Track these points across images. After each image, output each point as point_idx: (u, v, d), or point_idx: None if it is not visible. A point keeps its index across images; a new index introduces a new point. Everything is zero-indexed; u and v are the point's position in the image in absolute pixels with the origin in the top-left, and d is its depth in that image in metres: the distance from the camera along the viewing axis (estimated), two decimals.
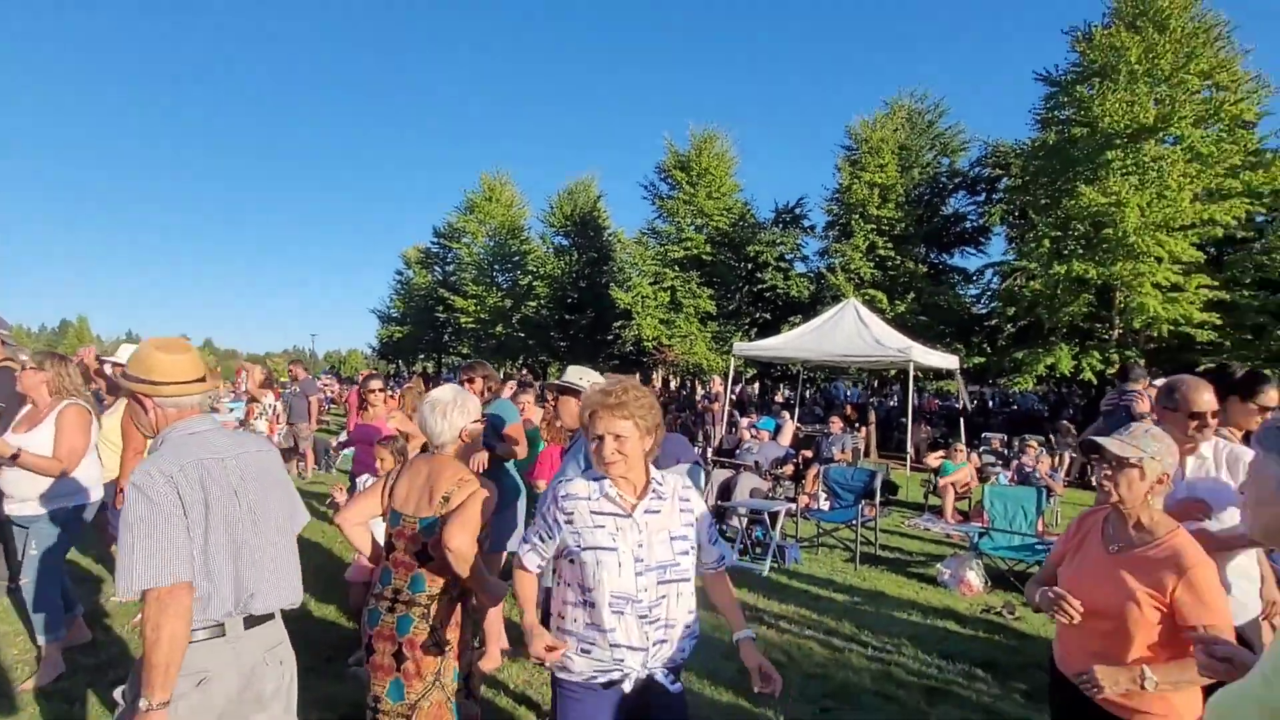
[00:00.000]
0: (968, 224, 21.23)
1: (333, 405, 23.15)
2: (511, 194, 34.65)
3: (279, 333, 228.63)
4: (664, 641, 2.13)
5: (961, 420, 15.64)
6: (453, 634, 2.53)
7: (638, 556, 2.10)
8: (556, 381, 3.59)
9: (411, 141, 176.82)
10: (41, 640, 3.93)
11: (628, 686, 2.07)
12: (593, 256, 30.62)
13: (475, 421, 2.72)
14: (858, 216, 19.87)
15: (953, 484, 10.09)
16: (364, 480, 5.11)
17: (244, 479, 2.13)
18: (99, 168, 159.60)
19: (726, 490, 8.61)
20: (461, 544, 2.45)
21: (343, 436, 13.13)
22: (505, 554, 4.28)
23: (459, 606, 2.57)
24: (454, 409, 2.67)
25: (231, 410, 16.60)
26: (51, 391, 3.96)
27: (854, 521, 7.63)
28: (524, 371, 31.33)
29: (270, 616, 2.18)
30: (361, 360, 73.53)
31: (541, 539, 2.20)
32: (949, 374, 17.54)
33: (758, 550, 7.52)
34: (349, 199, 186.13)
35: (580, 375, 3.58)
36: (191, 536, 1.96)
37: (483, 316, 32.42)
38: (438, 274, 39.91)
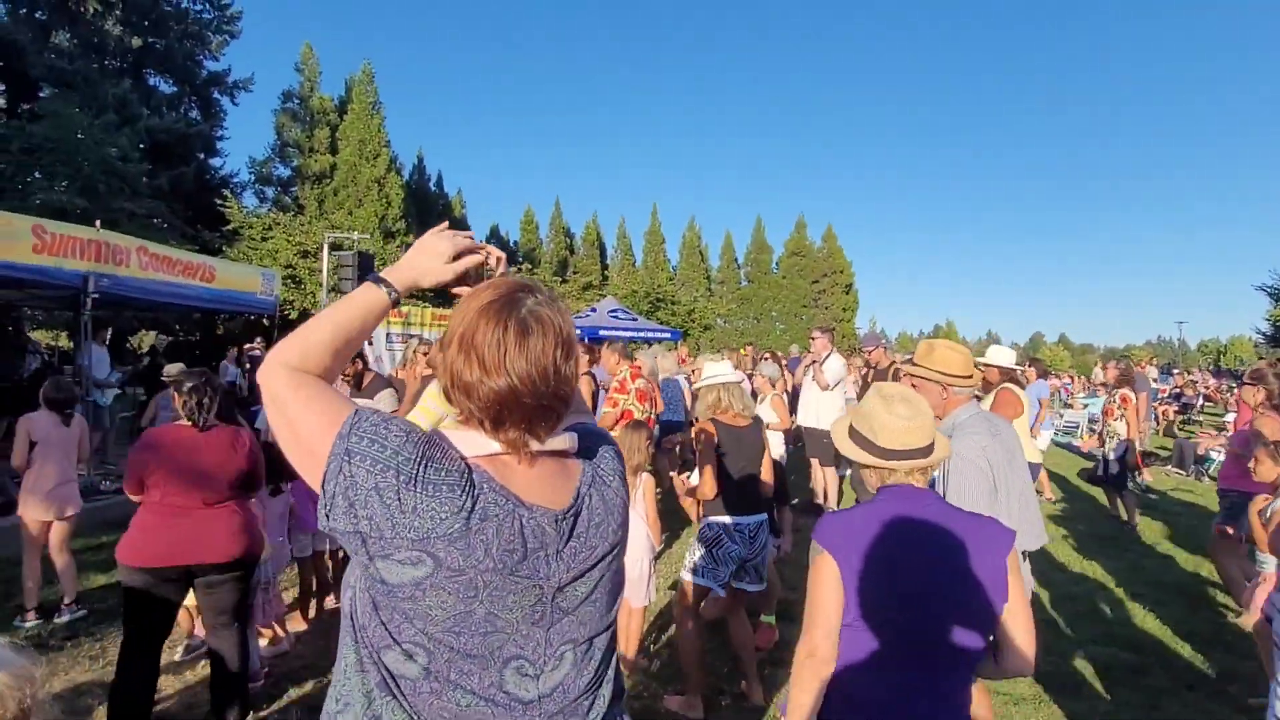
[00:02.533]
0: None
1: (1209, 403, 19.88)
2: None
3: (1141, 323, 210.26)
4: None
5: None
6: None
7: None
8: None
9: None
10: None
11: None
12: None
13: None
14: None
15: None
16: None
17: (1011, 452, 2.78)
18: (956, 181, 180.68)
19: None
20: None
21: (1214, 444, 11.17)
22: None
23: None
24: None
25: (1086, 405, 16.24)
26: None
27: None
28: None
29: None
30: (1249, 349, 60.67)
31: None
32: None
33: None
34: (1213, 154, 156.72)
35: None
36: (994, 488, 2.65)
37: None
38: None
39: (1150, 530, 7.31)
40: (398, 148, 36.91)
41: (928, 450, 1.74)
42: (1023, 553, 2.85)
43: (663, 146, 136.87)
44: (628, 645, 3.92)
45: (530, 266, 33.68)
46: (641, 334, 19.14)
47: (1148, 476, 9.98)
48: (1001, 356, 5.12)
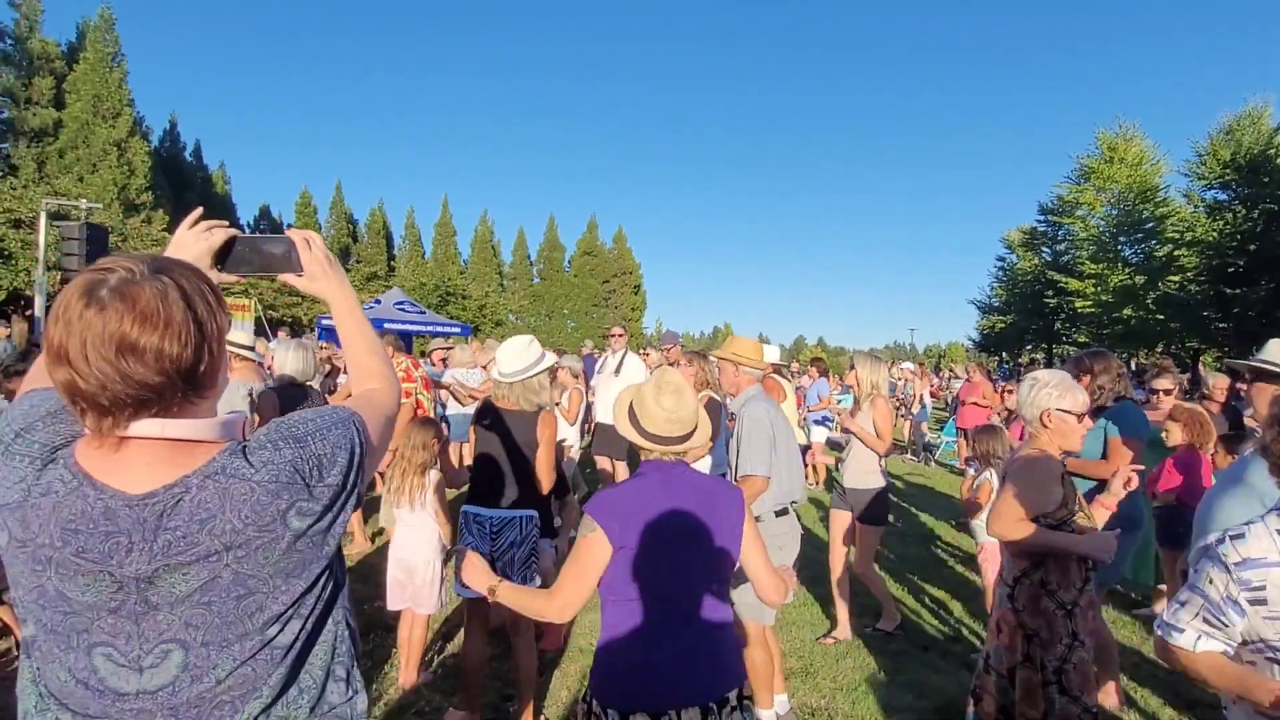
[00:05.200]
0: None
1: (933, 399, 23.17)
2: (1140, 149, 28.99)
3: (882, 329, 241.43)
4: None
5: None
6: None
7: None
8: (1256, 362, 2.72)
9: (1011, 112, 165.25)
10: None
11: None
12: (1270, 210, 23.33)
13: (1066, 410, 2.50)
14: None
15: None
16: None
17: (784, 423, 3.51)
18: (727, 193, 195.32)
19: None
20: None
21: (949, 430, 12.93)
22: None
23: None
24: (1041, 389, 2.55)
25: (839, 400, 18.28)
26: (698, 384, 4.87)
27: None
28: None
29: (787, 511, 3.48)
30: (961, 353, 71.99)
31: (1209, 622, 1.56)
32: None
33: None
34: (947, 188, 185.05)
35: None
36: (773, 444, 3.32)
37: (1104, 298, 27.98)
38: (1046, 255, 36.21)
39: (890, 510, 8.32)
40: (145, 110, 32.24)
41: (682, 439, 2.00)
42: (792, 503, 3.53)
43: (455, 136, 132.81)
44: (410, 656, 3.68)
45: None
46: (430, 328, 18.35)
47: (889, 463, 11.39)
48: (770, 355, 5.82)
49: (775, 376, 5.88)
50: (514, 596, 2.02)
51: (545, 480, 3.33)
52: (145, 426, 0.98)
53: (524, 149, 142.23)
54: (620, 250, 52.67)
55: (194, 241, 1.26)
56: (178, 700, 1.00)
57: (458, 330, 19.11)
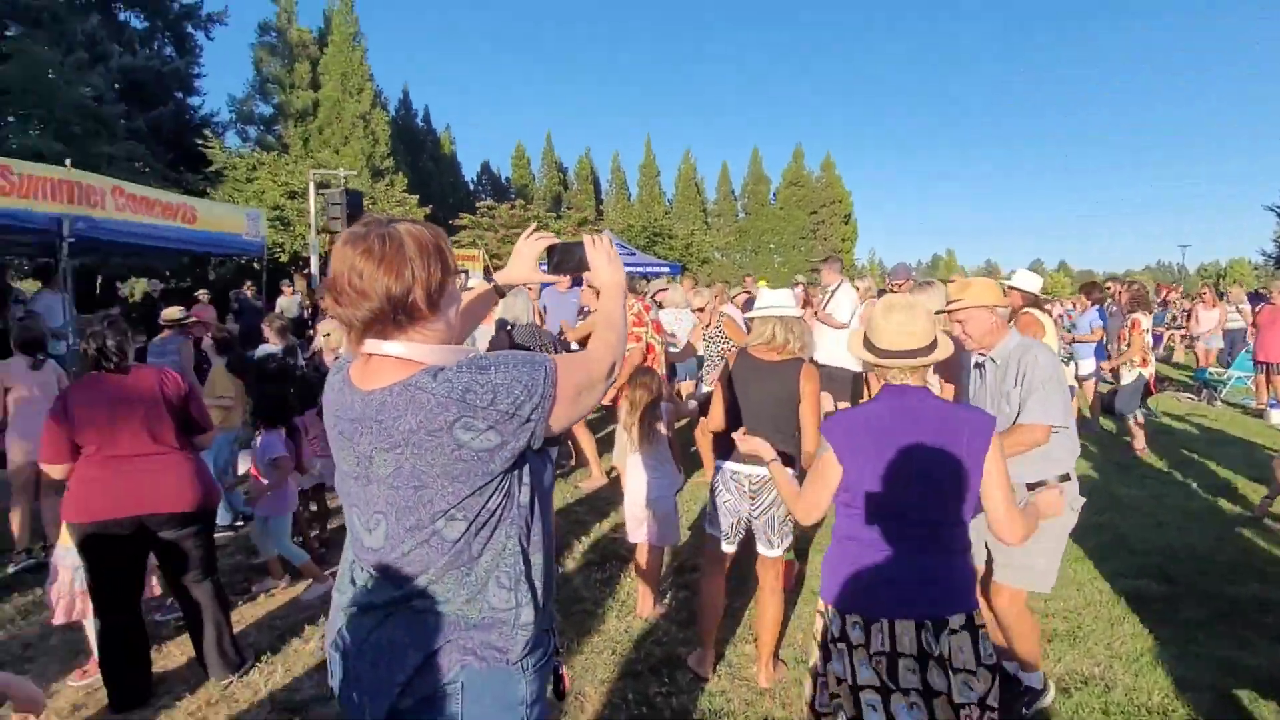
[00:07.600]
0: None
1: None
2: None
3: (1144, 247, 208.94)
4: None
5: None
6: None
7: None
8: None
9: None
10: None
11: None
12: None
13: None
14: None
15: None
16: None
17: None
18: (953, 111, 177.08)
19: None
20: None
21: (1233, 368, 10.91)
22: None
23: None
24: None
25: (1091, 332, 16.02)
26: None
27: None
28: None
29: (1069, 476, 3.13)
30: (1248, 270, 60.50)
31: None
32: None
33: None
34: (1222, 74, 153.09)
35: None
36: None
37: None
38: None
39: (1168, 457, 7.19)
40: (382, 82, 35.55)
41: (918, 353, 2.02)
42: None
43: (655, 77, 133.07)
44: (646, 586, 3.81)
45: (524, 203, 32.90)
46: (640, 268, 18.79)
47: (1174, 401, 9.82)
48: (1027, 282, 4.89)
49: (1033, 310, 4.76)
50: (780, 477, 2.32)
51: (810, 437, 3.04)
52: (369, 345, 1.29)
53: (724, 81, 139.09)
54: (829, 178, 50.21)
55: (528, 248, 1.72)
56: (385, 561, 1.29)
57: (667, 270, 19.38)
